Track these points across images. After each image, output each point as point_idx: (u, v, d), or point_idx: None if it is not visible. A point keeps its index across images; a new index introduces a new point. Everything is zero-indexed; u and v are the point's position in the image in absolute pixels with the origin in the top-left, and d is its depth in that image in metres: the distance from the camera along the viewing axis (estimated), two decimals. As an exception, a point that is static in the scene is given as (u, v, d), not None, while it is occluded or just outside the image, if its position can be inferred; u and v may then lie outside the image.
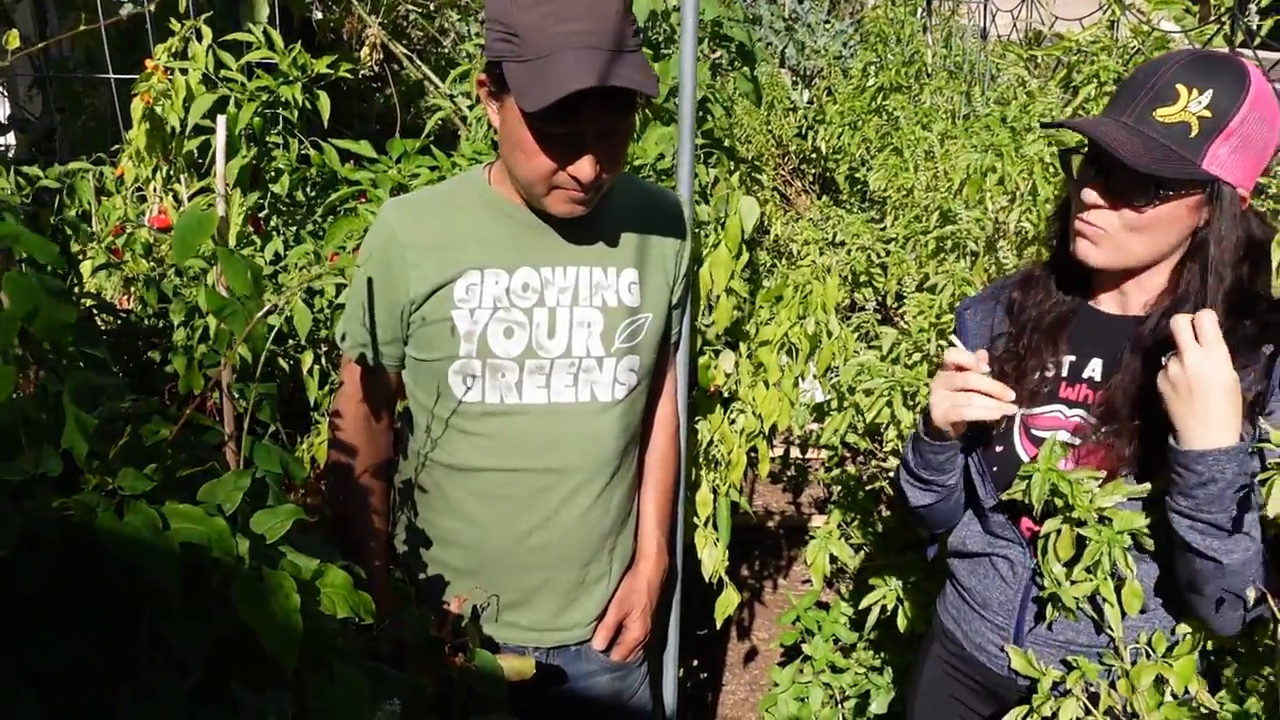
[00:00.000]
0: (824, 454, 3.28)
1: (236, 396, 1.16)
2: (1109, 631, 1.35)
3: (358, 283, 1.56)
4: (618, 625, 1.71)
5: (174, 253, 1.14)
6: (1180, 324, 1.22)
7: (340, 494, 1.61)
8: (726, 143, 4.20)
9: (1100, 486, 1.32)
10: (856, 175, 4.51)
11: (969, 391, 1.38)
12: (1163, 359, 1.25)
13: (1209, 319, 1.21)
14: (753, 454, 2.18)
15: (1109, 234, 1.34)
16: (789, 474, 3.56)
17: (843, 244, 3.60)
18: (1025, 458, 1.42)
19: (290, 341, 2.19)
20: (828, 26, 6.03)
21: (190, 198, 2.61)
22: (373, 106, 5.11)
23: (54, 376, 0.96)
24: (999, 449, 1.45)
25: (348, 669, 1.05)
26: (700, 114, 3.11)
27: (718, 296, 1.90)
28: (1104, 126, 1.30)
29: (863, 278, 3.30)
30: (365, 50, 3.69)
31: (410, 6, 4.92)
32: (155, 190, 2.75)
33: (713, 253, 1.88)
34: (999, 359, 1.48)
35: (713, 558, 2.08)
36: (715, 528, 2.11)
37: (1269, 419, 1.27)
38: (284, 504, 1.13)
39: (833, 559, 2.51)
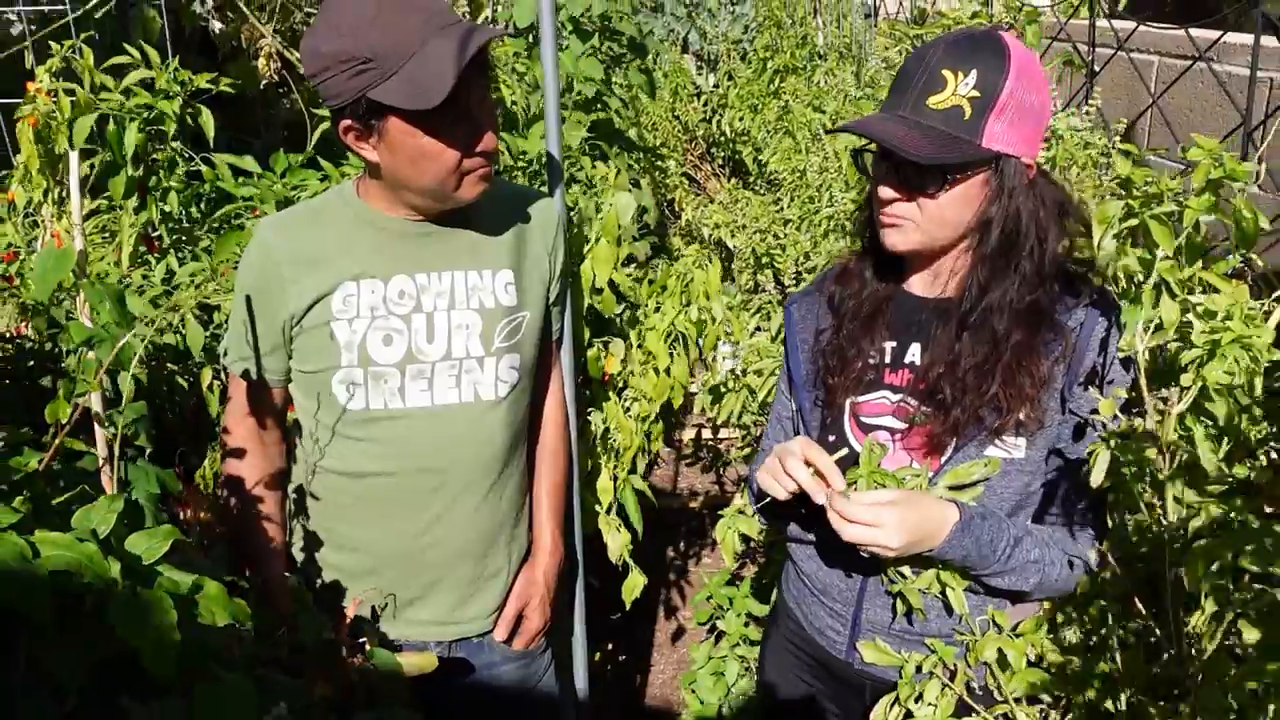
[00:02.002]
0: (737, 434, 3.37)
1: (107, 423, 1.19)
2: (961, 614, 1.43)
3: (238, 300, 1.60)
4: (518, 616, 1.77)
5: (35, 290, 1.17)
6: (833, 521, 1.34)
7: (235, 506, 1.65)
8: (632, 132, 4.26)
9: (927, 463, 1.40)
10: (760, 158, 4.60)
11: (789, 476, 1.42)
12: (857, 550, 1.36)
13: (840, 505, 1.34)
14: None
15: (908, 220, 1.40)
16: (701, 455, 3.63)
17: (745, 227, 3.69)
18: (856, 446, 1.47)
19: (190, 359, 2.21)
20: (730, 11, 6.11)
21: (86, 217, 2.61)
22: (279, 114, 5.09)
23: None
24: (832, 438, 1.51)
25: (237, 676, 1.09)
26: (596, 106, 3.17)
27: (600, 290, 1.96)
28: (885, 124, 1.36)
29: (764, 259, 3.38)
30: (262, 61, 3.69)
31: (309, 11, 4.90)
32: (48, 214, 2.74)
33: (594, 247, 1.95)
34: (823, 352, 1.55)
35: (617, 543, 2.15)
36: (620, 514, 2.18)
37: (1110, 387, 1.36)
38: (163, 524, 1.17)
39: (745, 538, 2.60)
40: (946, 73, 1.34)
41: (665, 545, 3.96)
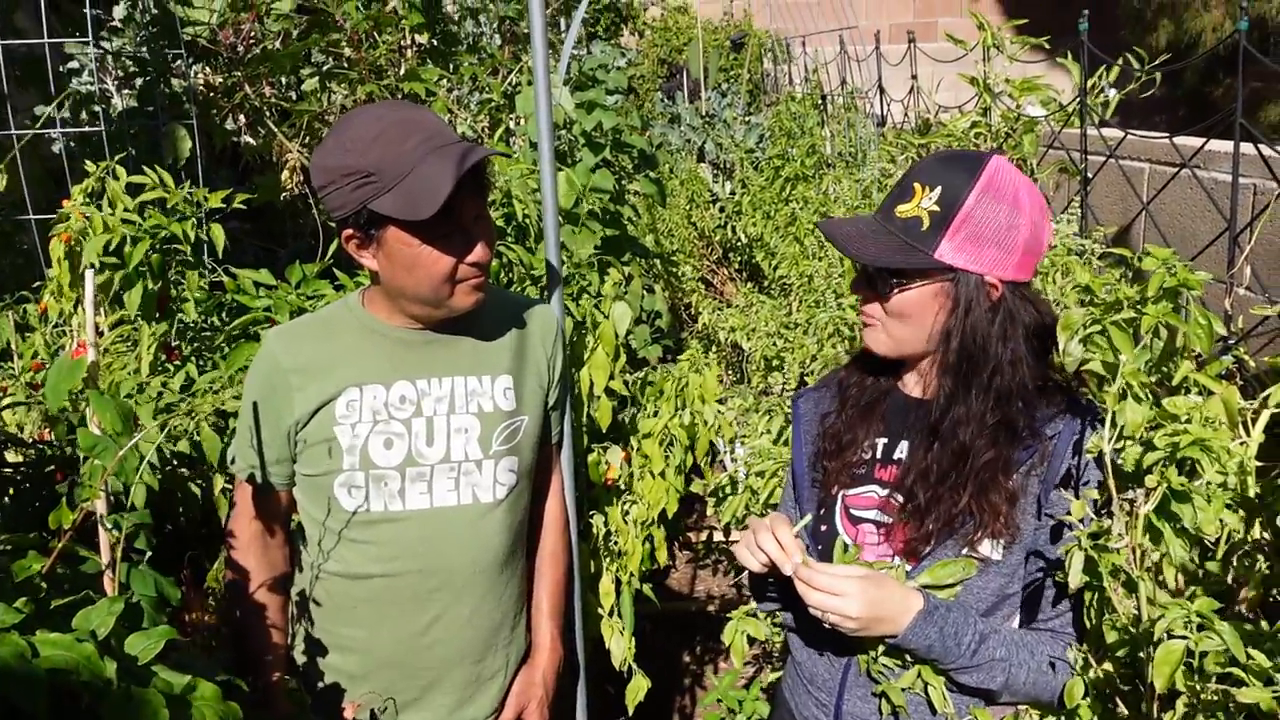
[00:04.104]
0: (748, 535, 3.38)
1: (110, 528, 1.24)
2: (944, 713, 1.44)
3: (245, 407, 1.66)
4: (516, 718, 1.78)
5: (48, 397, 1.24)
6: (799, 589, 1.39)
7: (237, 610, 1.69)
8: (648, 239, 4.37)
9: (903, 560, 1.43)
10: (773, 262, 4.70)
11: (760, 548, 1.46)
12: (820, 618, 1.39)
13: (806, 574, 1.38)
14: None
15: (878, 321, 1.47)
16: (715, 558, 3.64)
17: (756, 330, 3.75)
18: (846, 538, 1.51)
19: (202, 465, 2.27)
20: (745, 122, 6.29)
21: (112, 327, 2.71)
22: (306, 224, 5.25)
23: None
24: (823, 528, 1.55)
25: (229, 775, 1.12)
26: (607, 216, 3.27)
27: (598, 397, 2.02)
28: (844, 225, 1.46)
29: (774, 362, 3.43)
30: (286, 174, 3.85)
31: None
32: (76, 324, 2.85)
33: (591, 355, 2.01)
34: (823, 435, 1.60)
35: (620, 646, 2.16)
36: (621, 617, 2.19)
37: (1085, 489, 1.38)
38: (159, 625, 1.21)
39: (756, 640, 2.60)
40: (917, 185, 1.42)
41: (680, 648, 3.93)
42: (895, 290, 1.42)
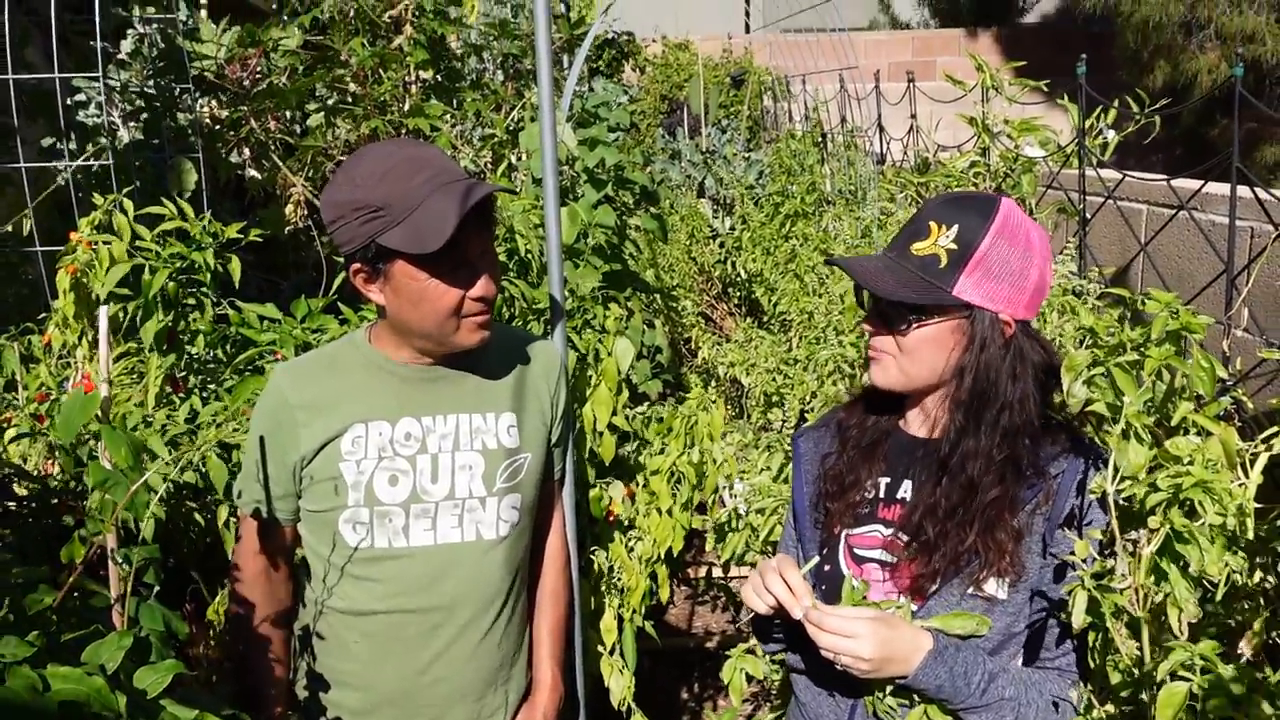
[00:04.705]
0: (749, 571, 3.38)
1: (120, 562, 1.25)
2: None
3: (251, 442, 1.67)
4: (517, 755, 1.78)
5: (60, 431, 1.25)
6: (809, 631, 1.39)
7: (240, 644, 1.69)
8: (649, 273, 4.39)
9: (909, 599, 1.44)
10: (773, 298, 4.73)
11: (768, 590, 1.46)
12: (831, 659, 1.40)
13: (817, 617, 1.38)
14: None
15: (889, 356, 1.49)
16: (713, 594, 3.63)
17: (756, 365, 3.76)
18: (852, 577, 1.51)
19: (208, 496, 2.27)
20: (745, 158, 6.35)
21: (116, 359, 2.72)
22: (308, 257, 5.28)
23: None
24: (826, 568, 1.56)
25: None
26: (609, 252, 3.30)
27: (601, 432, 2.03)
28: (864, 262, 1.48)
29: (774, 398, 3.45)
30: (290, 207, 3.88)
31: (339, 161, 5.13)
32: (81, 356, 2.86)
33: (594, 391, 2.02)
34: (824, 476, 1.61)
35: (620, 684, 2.15)
36: (622, 655, 2.19)
37: (1088, 529, 1.40)
38: (167, 660, 1.22)
39: (754, 679, 2.59)
40: (933, 223, 1.45)
41: (678, 685, 3.92)
42: (915, 326, 1.44)
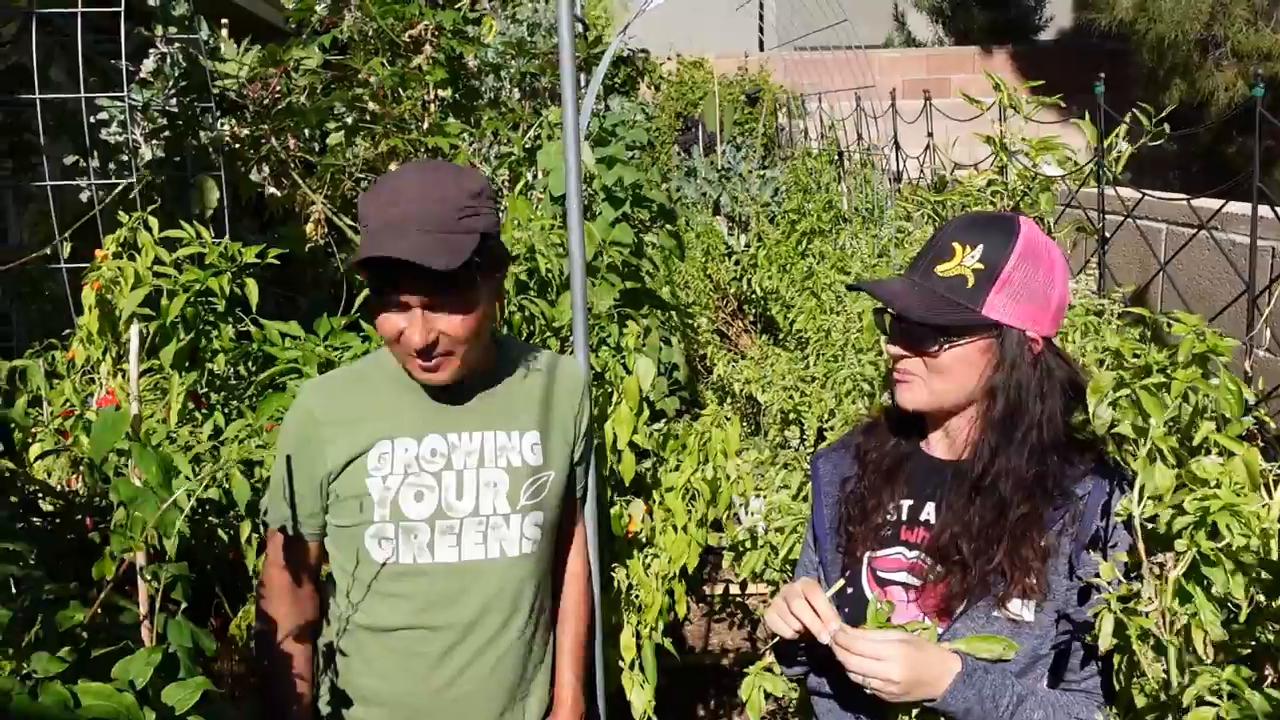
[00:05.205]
0: (766, 590, 3.37)
1: (150, 579, 1.26)
2: None
3: (279, 459, 1.69)
4: (538, 773, 1.78)
5: (90, 448, 1.26)
6: (838, 654, 1.38)
7: (265, 660, 1.70)
8: (665, 290, 4.41)
9: (935, 621, 1.44)
10: (789, 315, 4.73)
11: (793, 615, 1.46)
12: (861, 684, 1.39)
13: (846, 640, 1.38)
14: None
15: (918, 378, 1.49)
16: (730, 611, 3.62)
17: (773, 383, 3.77)
18: (876, 600, 1.51)
19: (231, 512, 2.29)
20: (760, 175, 6.37)
21: (141, 374, 2.75)
22: (326, 274, 5.31)
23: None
24: (850, 590, 1.55)
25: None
26: (627, 269, 3.31)
27: (621, 451, 2.03)
28: (892, 285, 1.49)
29: (791, 415, 3.45)
30: (310, 225, 3.91)
31: (358, 178, 5.17)
32: (105, 371, 2.89)
33: (616, 410, 2.03)
34: (845, 500, 1.61)
35: (640, 700, 2.15)
36: (642, 670, 2.19)
37: (1113, 551, 1.40)
38: (195, 676, 1.23)
39: (773, 696, 2.58)
40: (956, 244, 1.46)
41: (694, 702, 3.91)
42: (945, 347, 1.45)
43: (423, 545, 1.66)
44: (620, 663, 2.19)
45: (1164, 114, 2.67)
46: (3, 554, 1.17)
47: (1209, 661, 1.18)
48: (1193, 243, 2.79)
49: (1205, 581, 1.18)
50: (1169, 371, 1.26)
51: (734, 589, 3.46)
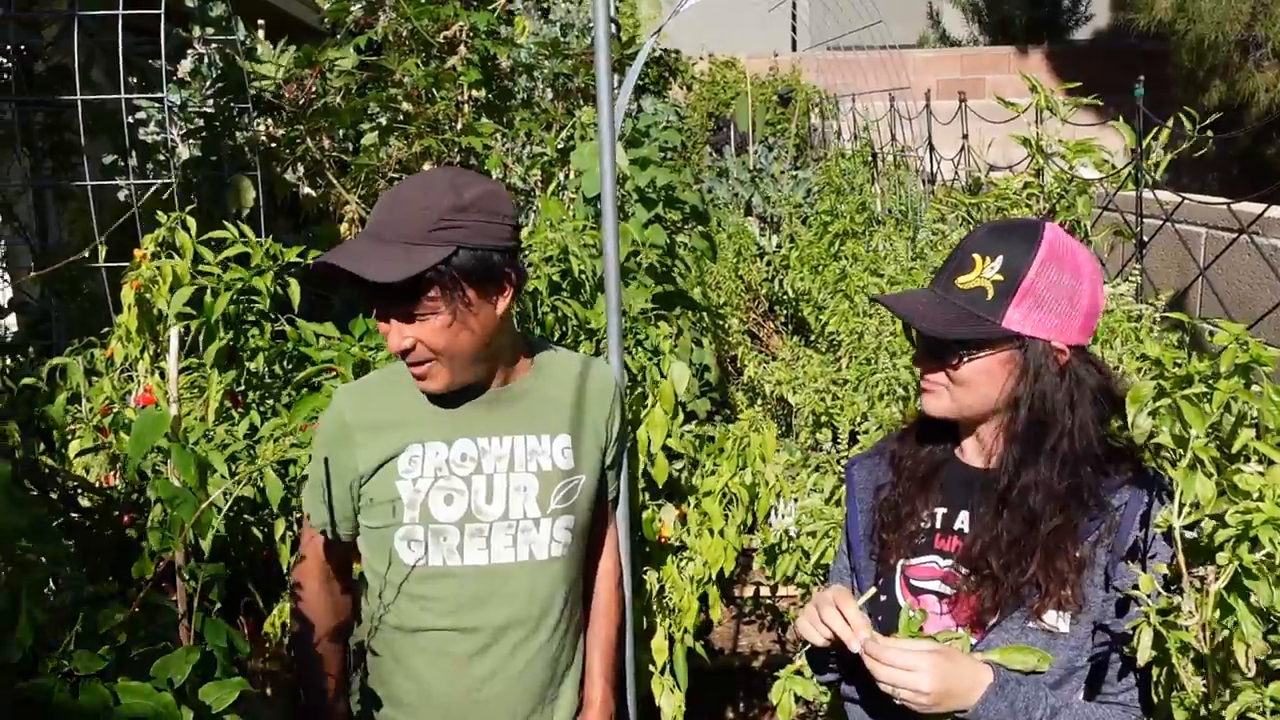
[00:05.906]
0: (797, 593, 3.36)
1: (188, 578, 1.27)
2: None
3: (316, 461, 1.70)
4: (567, 774, 1.78)
5: (130, 449, 1.27)
6: (868, 664, 1.37)
7: (301, 660, 1.72)
8: (696, 291, 4.41)
9: (968, 631, 1.42)
10: (821, 317, 4.71)
11: (824, 623, 1.45)
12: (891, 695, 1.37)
13: (875, 650, 1.36)
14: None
15: (944, 389, 1.48)
16: (761, 614, 3.61)
17: (804, 385, 3.75)
18: (909, 607, 1.50)
19: (265, 510, 2.31)
20: (793, 176, 6.35)
21: (180, 372, 2.78)
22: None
23: (15, 574, 1.08)
24: (883, 598, 1.54)
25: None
26: (660, 271, 3.31)
27: (655, 455, 2.03)
28: (910, 299, 1.48)
29: (823, 418, 3.43)
30: (345, 225, 3.93)
31: (392, 178, 5.20)
32: (143, 369, 2.92)
33: (650, 413, 2.03)
34: (879, 508, 1.60)
35: (670, 704, 2.15)
36: (673, 674, 2.19)
37: (1152, 562, 1.38)
38: (232, 675, 1.24)
39: (803, 700, 2.58)
40: (976, 256, 1.44)
41: (724, 705, 3.90)
42: (965, 360, 1.43)
43: (452, 548, 1.66)
44: (651, 666, 2.19)
45: (1209, 120, 2.63)
46: (43, 553, 1.18)
47: (1250, 675, 1.16)
48: (1233, 247, 2.75)
49: (1247, 594, 1.16)
50: (1211, 381, 1.24)
51: (764, 591, 3.45)
